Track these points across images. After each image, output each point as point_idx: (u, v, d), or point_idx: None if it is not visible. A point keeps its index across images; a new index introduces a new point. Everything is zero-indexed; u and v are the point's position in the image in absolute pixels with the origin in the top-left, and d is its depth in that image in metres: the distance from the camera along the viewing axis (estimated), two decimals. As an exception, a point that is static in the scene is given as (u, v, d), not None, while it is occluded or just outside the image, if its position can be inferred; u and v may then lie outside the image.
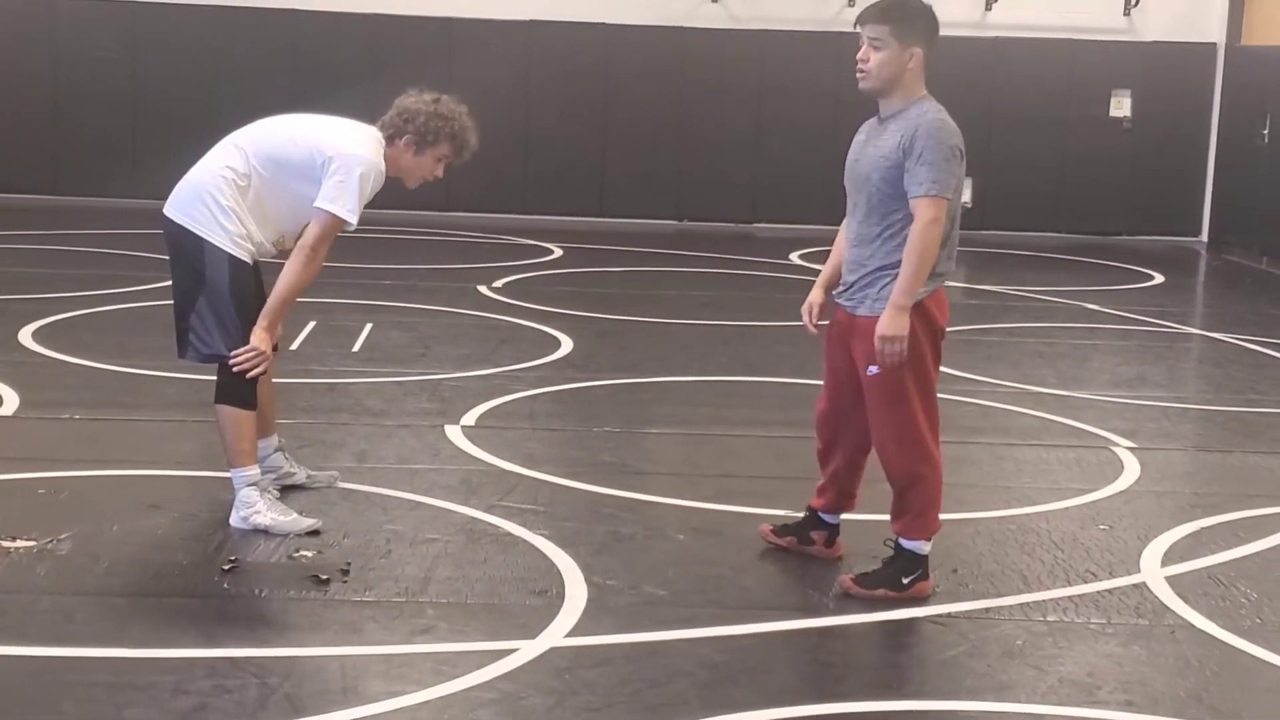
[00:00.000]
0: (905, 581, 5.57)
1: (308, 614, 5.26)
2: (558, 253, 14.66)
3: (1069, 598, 5.67)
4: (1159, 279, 14.88)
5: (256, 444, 6.20)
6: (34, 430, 7.55)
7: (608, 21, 17.11)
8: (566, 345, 10.11)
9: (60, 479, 6.61)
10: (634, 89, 17.35)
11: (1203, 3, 17.94)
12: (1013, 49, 17.72)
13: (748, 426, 8.15)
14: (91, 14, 17.30)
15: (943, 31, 5.65)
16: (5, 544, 5.73)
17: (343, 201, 5.92)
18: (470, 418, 8.04)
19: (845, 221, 5.69)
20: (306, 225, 6.03)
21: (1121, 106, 17.93)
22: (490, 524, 6.25)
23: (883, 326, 5.33)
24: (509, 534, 6.12)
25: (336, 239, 6.04)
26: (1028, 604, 5.58)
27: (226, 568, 5.61)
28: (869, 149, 5.55)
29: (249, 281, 6.05)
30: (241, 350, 5.95)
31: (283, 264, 6.03)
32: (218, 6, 17.17)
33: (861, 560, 5.86)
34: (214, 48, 17.33)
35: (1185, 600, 5.66)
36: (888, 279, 5.43)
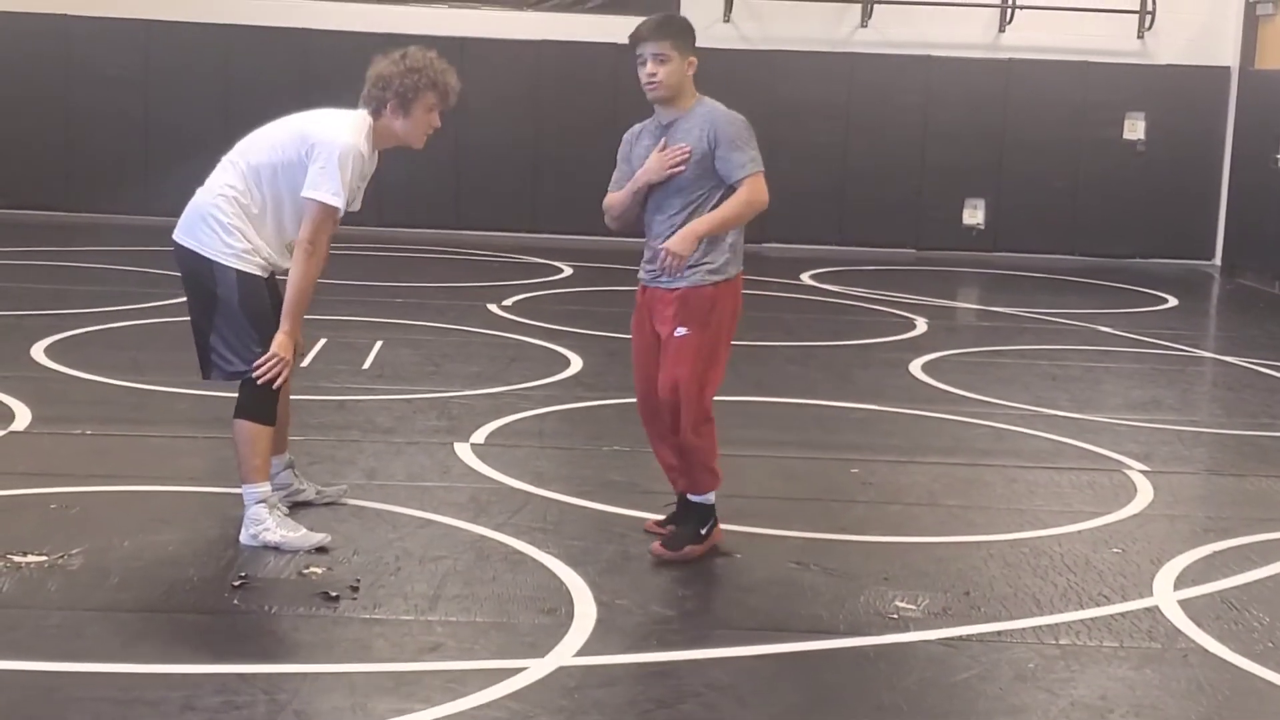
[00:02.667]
0: (703, 533, 6.11)
1: (317, 631, 5.25)
2: (568, 271, 14.66)
3: (1081, 621, 5.64)
4: (1172, 302, 14.86)
5: (270, 461, 6.19)
6: (45, 446, 7.55)
7: (618, 42, 17.08)
8: (576, 364, 10.10)
9: (71, 494, 6.61)
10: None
11: (1217, 26, 17.94)
12: (1026, 70, 17.71)
13: (757, 447, 8.14)
14: (105, 33, 17.35)
15: (956, 52, 5.88)
16: (16, 559, 5.72)
17: (325, 186, 5.92)
18: (480, 436, 8.03)
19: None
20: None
21: (1135, 129, 17.91)
22: (499, 542, 6.24)
23: (673, 242, 5.84)
24: (518, 552, 6.10)
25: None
26: (1040, 627, 5.56)
27: (236, 584, 5.60)
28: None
29: (262, 295, 6.05)
30: (263, 359, 5.94)
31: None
32: (230, 25, 17.21)
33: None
34: (226, 66, 17.38)
35: (1198, 624, 5.63)
36: (705, 257, 5.96)
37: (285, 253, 6.13)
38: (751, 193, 5.97)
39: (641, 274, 6.17)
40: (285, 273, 6.15)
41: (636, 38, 6.01)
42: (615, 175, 6.21)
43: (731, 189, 5.96)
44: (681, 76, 6.00)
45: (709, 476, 6.13)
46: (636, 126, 6.23)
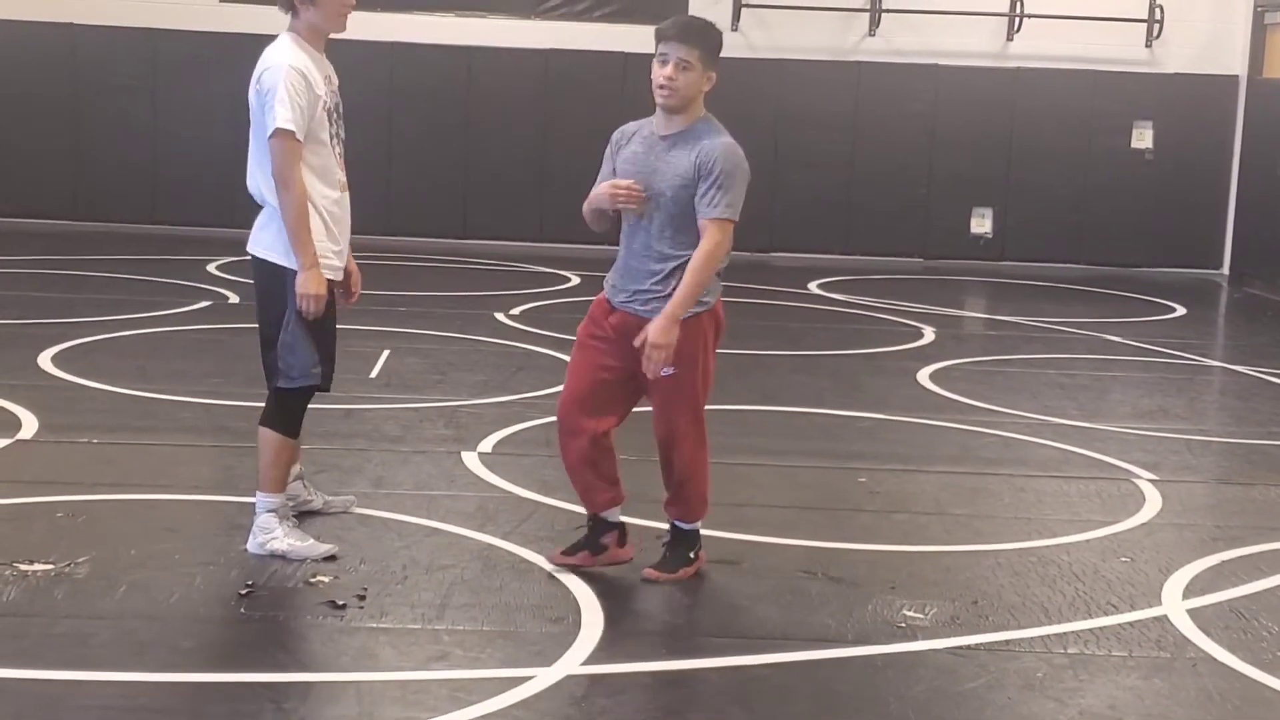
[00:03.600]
0: (692, 555, 6.01)
1: (324, 639, 5.24)
2: (575, 280, 14.66)
3: (1090, 630, 5.63)
4: (1180, 311, 14.83)
5: (288, 473, 6.18)
6: (52, 454, 7.55)
7: (626, 51, 17.13)
8: (584, 373, 10.08)
9: (78, 502, 6.61)
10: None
11: (1225, 35, 17.92)
12: (1034, 80, 17.70)
13: (765, 455, 8.13)
14: (112, 42, 17.36)
15: (964, 61, 5.79)
16: (23, 567, 5.72)
17: (276, 113, 5.83)
18: (487, 444, 8.02)
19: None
20: (331, 158, 6.01)
21: (1143, 138, 17.89)
22: (506, 551, 6.23)
23: (655, 334, 5.62)
24: (525, 561, 6.09)
25: (354, 242, 5.96)
26: (1048, 636, 5.54)
27: (243, 592, 5.59)
28: (660, 165, 5.72)
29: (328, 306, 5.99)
30: (302, 299, 5.86)
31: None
32: (238, 34, 17.18)
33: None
34: (234, 75, 17.34)
35: (1207, 633, 5.62)
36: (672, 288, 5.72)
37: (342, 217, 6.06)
38: (713, 243, 5.64)
39: (611, 293, 5.87)
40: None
41: (663, 34, 5.69)
42: (600, 175, 5.91)
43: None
44: (698, 90, 5.70)
45: (703, 505, 6.02)
46: (630, 126, 5.91)
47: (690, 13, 17.51)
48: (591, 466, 5.92)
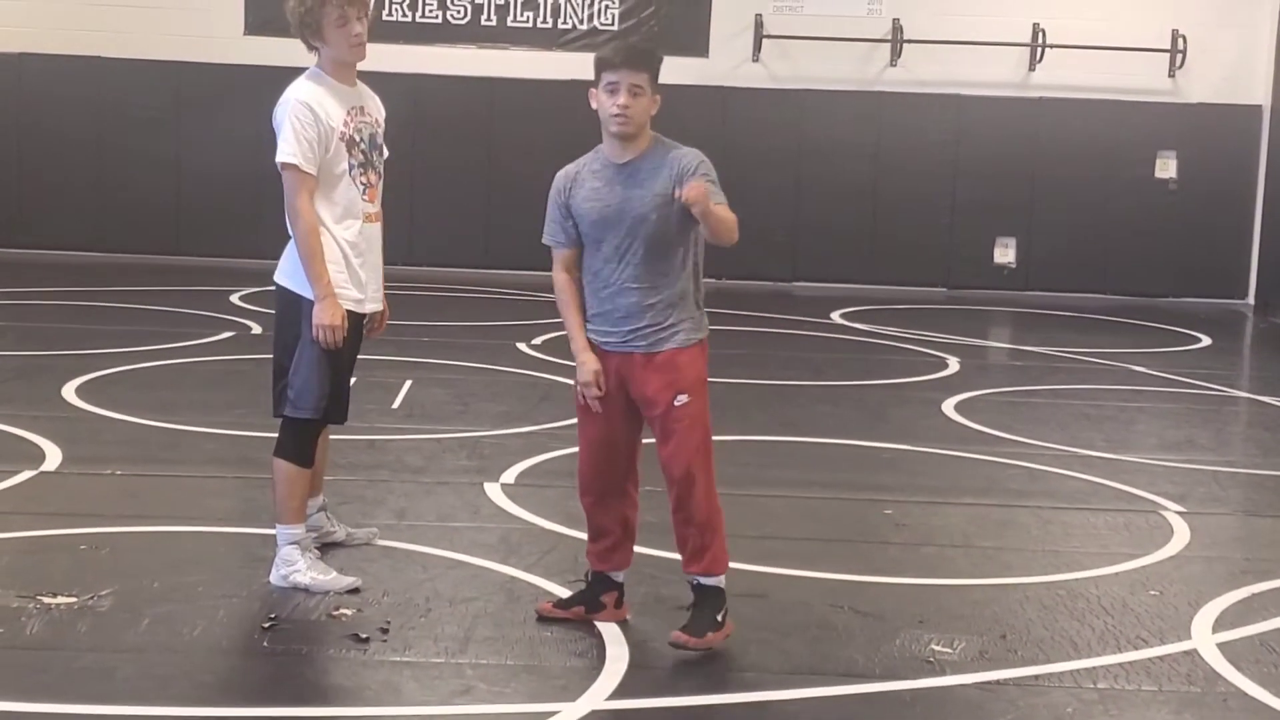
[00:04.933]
0: (720, 619, 5.58)
1: (347, 673, 5.21)
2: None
3: (1119, 664, 5.57)
4: (1205, 341, 14.76)
5: (306, 503, 6.16)
6: (76, 486, 7.54)
7: (650, 81, 17.17)
8: (608, 404, 10.05)
9: (101, 535, 6.60)
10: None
11: (1248, 64, 17.88)
12: (1057, 109, 17.68)
13: (788, 487, 8.09)
14: (136, 74, 17.45)
15: (986, 91, 5.73)
16: (46, 600, 5.70)
17: (282, 149, 5.88)
18: (510, 475, 8.00)
19: (569, 280, 5.73)
20: (353, 189, 6.00)
21: (1167, 168, 17.85)
22: (530, 583, 6.20)
23: (692, 185, 5.34)
24: (549, 594, 6.05)
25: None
26: (1078, 671, 5.49)
27: (266, 625, 5.57)
28: (631, 191, 5.54)
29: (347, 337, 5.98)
30: (318, 330, 5.85)
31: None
32: (261, 67, 17.26)
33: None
34: (257, 107, 17.39)
35: (1237, 667, 5.56)
36: (684, 312, 5.63)
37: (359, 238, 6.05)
38: (734, 218, 5.49)
39: (600, 339, 5.68)
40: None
41: (608, 63, 5.50)
42: (554, 229, 5.67)
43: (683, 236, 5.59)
44: (649, 114, 5.55)
45: (725, 553, 5.66)
46: (570, 168, 5.68)
47: (711, 43, 17.64)
48: (623, 525, 5.81)
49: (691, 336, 5.65)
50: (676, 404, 5.58)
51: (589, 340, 5.73)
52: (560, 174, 5.70)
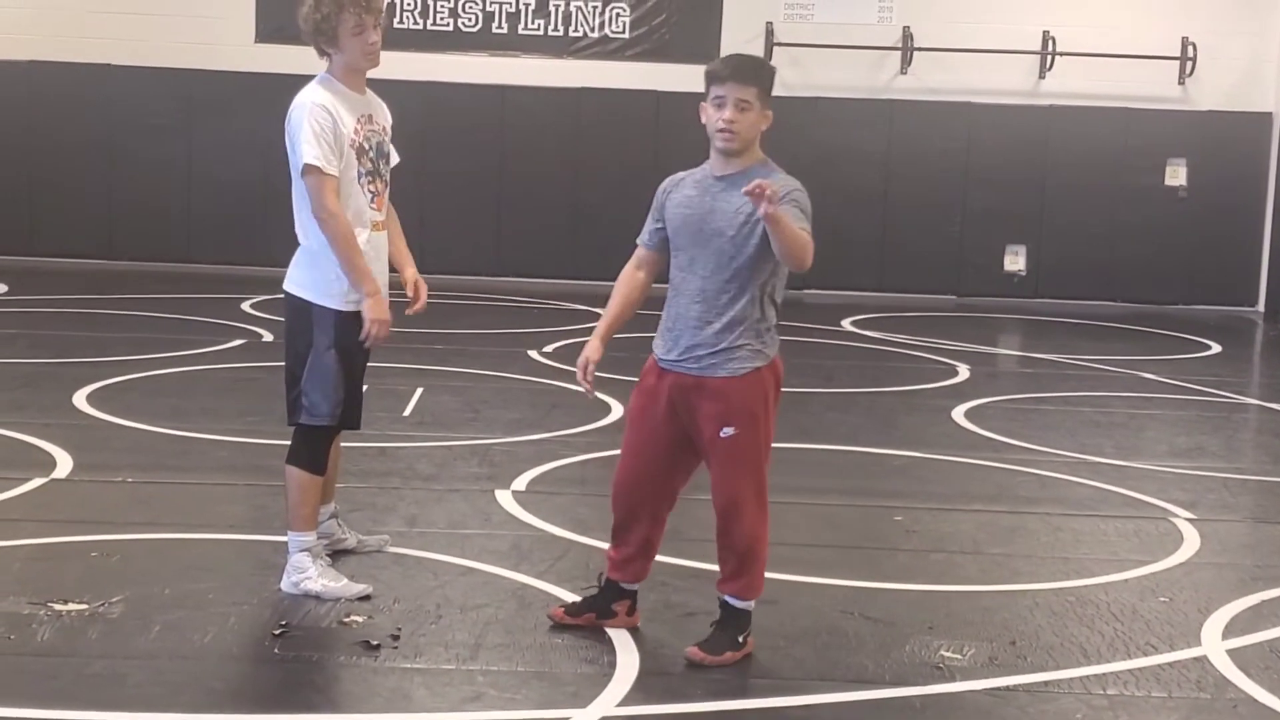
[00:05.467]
0: (741, 640, 5.55)
1: (358, 680, 5.22)
2: (609, 318, 14.62)
3: (1129, 671, 5.57)
4: (1215, 349, 14.74)
5: (318, 510, 6.17)
6: (87, 493, 7.56)
7: (658, 89, 17.19)
8: (617, 410, 10.06)
9: (112, 542, 6.61)
10: (685, 154, 17.18)
11: (1258, 72, 17.88)
12: (1067, 117, 17.68)
13: (800, 494, 8.09)
14: (147, 82, 17.49)
15: (996, 99, 5.69)
16: (57, 607, 5.72)
17: (301, 150, 5.87)
18: (521, 483, 8.00)
19: (634, 274, 5.82)
20: (362, 197, 6.02)
21: (1177, 175, 17.84)
22: (541, 590, 6.21)
23: (764, 183, 5.06)
24: (560, 600, 6.06)
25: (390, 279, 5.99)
26: (1087, 677, 5.49)
27: (277, 632, 5.58)
28: (717, 204, 5.48)
29: (353, 337, 6.01)
30: (370, 325, 5.90)
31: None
32: (272, 74, 17.32)
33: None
34: (268, 115, 17.44)
35: (1247, 674, 5.55)
36: (744, 338, 5.50)
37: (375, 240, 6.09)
38: (810, 243, 5.35)
39: (661, 353, 5.62)
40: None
41: (716, 77, 5.41)
42: (646, 229, 5.71)
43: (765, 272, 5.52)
44: (758, 130, 5.46)
45: (761, 580, 5.63)
46: (679, 174, 5.66)
47: (722, 51, 17.63)
48: (643, 545, 5.77)
49: (746, 365, 5.48)
50: (722, 436, 5.47)
51: (608, 328, 5.79)
52: (668, 179, 5.69)
